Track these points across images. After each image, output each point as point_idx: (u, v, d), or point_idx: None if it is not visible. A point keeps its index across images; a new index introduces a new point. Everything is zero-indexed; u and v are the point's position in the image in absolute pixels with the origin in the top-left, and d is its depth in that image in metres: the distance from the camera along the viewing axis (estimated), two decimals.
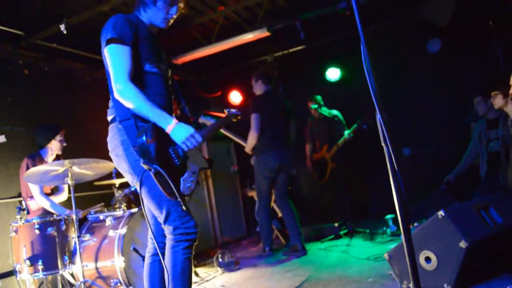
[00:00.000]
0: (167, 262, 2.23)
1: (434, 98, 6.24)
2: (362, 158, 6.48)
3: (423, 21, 5.73)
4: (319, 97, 6.23)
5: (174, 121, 2.21)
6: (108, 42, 2.23)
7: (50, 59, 5.41)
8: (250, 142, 5.06)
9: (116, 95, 2.22)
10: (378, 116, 1.31)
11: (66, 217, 3.67)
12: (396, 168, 1.30)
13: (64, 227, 3.63)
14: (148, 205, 2.30)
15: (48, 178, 3.52)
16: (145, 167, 2.07)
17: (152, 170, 2.06)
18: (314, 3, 5.53)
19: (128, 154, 2.27)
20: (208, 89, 7.67)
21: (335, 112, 6.20)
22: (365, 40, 1.34)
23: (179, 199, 2.14)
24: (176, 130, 2.20)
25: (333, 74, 6.78)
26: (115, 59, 2.23)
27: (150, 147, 2.09)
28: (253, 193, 6.22)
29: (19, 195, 4.32)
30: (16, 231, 3.55)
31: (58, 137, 4.19)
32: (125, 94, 2.20)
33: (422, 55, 6.29)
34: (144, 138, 2.10)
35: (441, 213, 2.81)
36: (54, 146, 4.20)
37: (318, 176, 6.21)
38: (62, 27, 4.57)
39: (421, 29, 6.11)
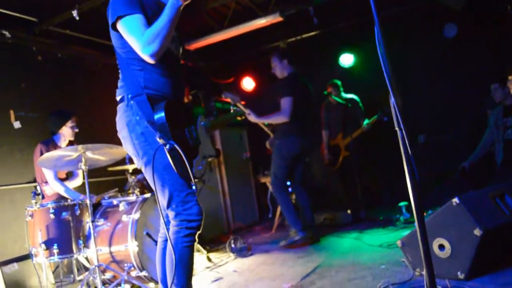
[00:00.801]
0: (169, 247, 2.19)
1: (450, 84, 6.14)
2: (377, 146, 6.42)
3: (439, 5, 5.61)
4: (339, 82, 6.17)
5: None
6: (120, 17, 2.14)
7: (63, 45, 5.43)
8: (274, 122, 4.83)
9: (149, 58, 2.11)
10: (392, 100, 1.28)
11: (80, 202, 3.70)
12: (409, 153, 1.27)
13: (78, 212, 3.67)
14: (152, 185, 2.21)
15: (62, 163, 3.55)
16: (161, 141, 2.04)
17: (168, 146, 2.02)
18: None
19: (133, 136, 2.21)
20: (220, 75, 7.65)
21: (353, 96, 6.14)
22: (379, 23, 1.30)
23: (191, 179, 2.09)
24: None
25: (346, 60, 6.69)
26: (130, 29, 2.13)
27: (167, 122, 2.05)
28: (265, 180, 6.22)
29: (34, 180, 4.38)
30: (31, 216, 3.60)
31: (69, 123, 4.21)
32: (150, 44, 2.08)
33: (438, 40, 6.17)
34: (162, 113, 2.07)
35: (455, 200, 2.77)
36: (66, 132, 4.23)
37: (330, 163, 6.19)
38: (75, 13, 4.58)
39: (437, 14, 5.99)
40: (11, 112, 4.74)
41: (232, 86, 7.59)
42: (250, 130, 7.22)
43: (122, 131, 2.29)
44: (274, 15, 5.44)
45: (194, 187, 2.17)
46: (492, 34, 5.80)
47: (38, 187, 4.13)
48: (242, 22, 5.66)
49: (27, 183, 4.63)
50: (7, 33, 4.79)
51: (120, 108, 2.32)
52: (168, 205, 2.15)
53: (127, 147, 2.29)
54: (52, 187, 4.10)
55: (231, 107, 4.41)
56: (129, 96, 2.24)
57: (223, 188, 6.57)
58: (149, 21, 2.17)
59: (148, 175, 2.20)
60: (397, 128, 1.30)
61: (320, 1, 5.42)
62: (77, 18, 4.59)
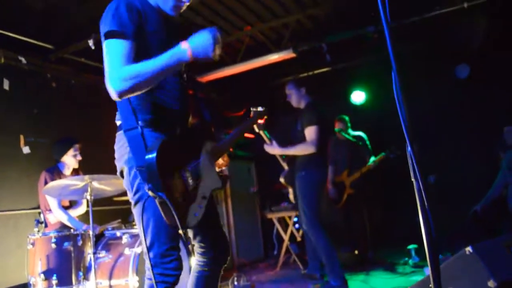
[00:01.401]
0: None
1: (461, 124, 6.09)
2: (384, 183, 6.33)
3: (452, 45, 5.64)
4: (347, 118, 6.12)
5: (183, 44, 1.83)
6: (107, 36, 1.87)
7: (77, 73, 5.50)
8: (299, 153, 4.39)
9: (115, 95, 1.83)
10: (409, 149, 1.23)
11: (83, 232, 3.65)
12: (426, 206, 1.22)
13: (80, 242, 3.61)
14: (138, 225, 1.99)
15: (67, 192, 3.52)
16: (150, 194, 1.79)
17: (158, 199, 1.78)
18: (341, 26, 5.50)
19: (128, 170, 2.00)
20: (231, 107, 7.67)
21: (360, 134, 6.09)
22: (397, 68, 1.27)
23: (181, 233, 1.85)
24: (195, 44, 1.83)
25: (358, 97, 6.69)
26: (111, 54, 1.85)
27: (159, 169, 1.77)
28: (272, 215, 6.12)
29: (39, 206, 4.34)
30: (33, 244, 3.55)
31: (71, 152, 4.19)
32: (123, 80, 1.79)
33: (451, 80, 6.17)
34: (153, 156, 1.77)
35: (468, 249, 2.67)
36: (68, 161, 4.21)
37: (334, 200, 6.02)
38: (91, 42, 4.65)
39: (450, 55, 6.00)
40: (21, 137, 4.75)
41: (243, 119, 7.60)
42: (258, 163, 7.17)
43: (118, 161, 2.08)
44: (287, 51, 5.49)
45: (182, 238, 2.00)
46: (506, 76, 5.78)
47: (41, 215, 4.08)
48: (255, 57, 5.71)
49: (32, 209, 4.60)
50: (23, 59, 4.87)
51: (117, 136, 2.10)
52: (148, 252, 1.97)
53: (123, 179, 2.10)
54: (56, 215, 4.06)
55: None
56: (123, 129, 1.99)
57: (228, 222, 6.48)
58: (146, 38, 1.95)
59: (136, 213, 2.01)
60: (413, 179, 1.25)
61: (333, 39, 5.46)
62: (93, 47, 4.66)
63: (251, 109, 2.97)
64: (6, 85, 4.73)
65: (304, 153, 4.33)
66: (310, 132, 4.28)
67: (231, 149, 2.50)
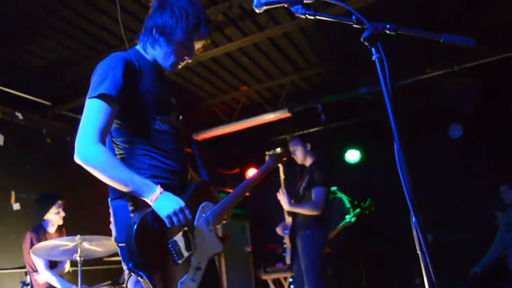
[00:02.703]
0: None
1: (456, 184, 6.09)
2: (360, 244, 6.26)
3: (445, 106, 5.76)
4: None
5: (158, 189, 1.73)
6: (96, 96, 1.76)
7: (73, 130, 5.49)
8: (304, 213, 4.22)
9: (78, 158, 1.72)
10: (414, 221, 1.21)
11: None
12: (434, 280, 1.17)
13: None
14: None
15: (56, 252, 3.41)
16: (132, 274, 1.65)
17: (139, 278, 1.63)
18: (335, 87, 5.63)
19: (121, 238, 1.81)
20: (226, 165, 7.66)
21: (340, 195, 6.07)
22: (399, 138, 1.27)
23: None
24: (161, 200, 1.71)
25: (352, 156, 6.73)
26: (92, 117, 1.76)
27: (138, 247, 1.61)
28: (267, 277, 5.93)
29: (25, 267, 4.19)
30: None
31: (54, 209, 4.09)
32: (89, 157, 1.71)
33: (444, 140, 6.24)
34: (132, 233, 1.61)
35: None
36: (52, 218, 4.11)
37: None
38: None
39: (442, 115, 6.12)
40: (13, 193, 4.67)
41: (237, 176, 7.57)
42: (253, 222, 7.06)
43: (113, 226, 1.90)
44: (282, 111, 5.57)
45: None
46: (499, 136, 5.87)
47: (28, 276, 3.93)
48: (251, 116, 5.79)
49: (18, 268, 4.43)
50: (19, 115, 4.88)
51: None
52: None
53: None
54: (43, 277, 3.89)
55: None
56: (109, 198, 1.83)
57: (221, 283, 6.26)
58: (140, 97, 1.86)
59: (129, 282, 1.83)
60: (419, 252, 1.21)
61: (328, 99, 5.57)
62: None
63: (266, 153, 2.77)
64: (0, 140, 4.71)
65: (309, 213, 4.19)
66: (318, 193, 4.19)
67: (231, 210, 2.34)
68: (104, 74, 1.80)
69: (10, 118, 4.83)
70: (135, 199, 1.77)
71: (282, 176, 4.28)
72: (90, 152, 1.72)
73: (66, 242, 3.29)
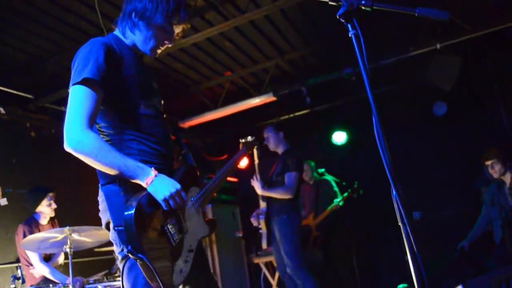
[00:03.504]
0: None
1: (442, 161, 6.17)
2: (349, 225, 6.35)
3: (429, 84, 5.79)
4: (312, 163, 6.16)
5: (153, 172, 1.73)
6: (80, 82, 1.74)
7: (58, 122, 5.45)
8: (277, 196, 4.40)
9: (68, 146, 1.72)
10: (394, 193, 1.23)
11: (63, 286, 3.50)
12: (416, 250, 1.20)
13: None
14: (123, 278, 1.85)
15: (46, 245, 3.40)
16: (130, 256, 1.66)
17: (138, 260, 1.65)
18: (320, 68, 5.63)
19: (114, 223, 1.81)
20: (214, 152, 7.66)
21: (326, 178, 6.12)
22: (377, 113, 1.28)
23: None
24: (157, 183, 1.72)
25: (339, 137, 6.76)
26: (78, 103, 1.73)
27: (138, 229, 1.62)
28: (259, 260, 5.99)
29: (17, 261, 4.17)
30: None
31: (46, 201, 4.09)
32: (81, 143, 1.70)
33: (428, 118, 6.29)
34: (131, 214, 1.62)
35: (459, 287, 2.64)
36: (44, 210, 4.11)
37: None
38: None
39: (427, 93, 6.16)
40: None
41: (225, 163, 7.57)
42: (243, 207, 7.09)
43: (103, 214, 1.93)
44: (267, 95, 5.57)
45: None
46: (481, 112, 5.94)
47: (18, 271, 3.91)
48: (236, 101, 5.77)
49: (8, 263, 4.41)
50: (1, 109, 4.81)
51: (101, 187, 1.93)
52: None
53: (109, 232, 1.92)
54: (38, 270, 3.89)
55: None
56: (100, 183, 1.84)
57: (214, 268, 6.31)
58: (123, 82, 1.86)
59: (122, 268, 1.84)
60: (400, 224, 1.23)
61: (312, 82, 5.57)
62: None
63: (240, 140, 2.91)
64: None
65: (282, 197, 4.38)
66: (290, 177, 4.38)
67: (214, 194, 2.41)
68: (86, 59, 1.77)
69: None
70: (126, 183, 1.77)
71: (256, 161, 4.44)
72: (80, 139, 1.70)
73: (56, 234, 3.28)
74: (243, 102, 5.74)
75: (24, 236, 3.67)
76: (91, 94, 1.74)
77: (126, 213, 1.65)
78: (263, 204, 4.60)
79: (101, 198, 1.93)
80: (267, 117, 6.98)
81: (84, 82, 1.74)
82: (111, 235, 1.88)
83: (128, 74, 1.87)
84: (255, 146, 2.97)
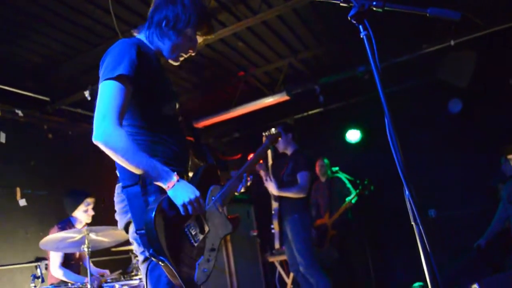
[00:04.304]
0: None
1: (458, 158, 6.11)
2: (364, 223, 6.33)
3: (443, 82, 5.74)
4: (326, 161, 6.17)
5: (175, 177, 1.78)
6: (114, 78, 1.77)
7: (74, 124, 5.53)
8: (291, 196, 4.43)
9: (97, 140, 1.72)
10: (407, 193, 1.23)
11: (81, 285, 3.56)
12: (429, 250, 1.20)
13: None
14: (145, 279, 1.88)
15: (64, 244, 3.46)
16: (153, 259, 1.71)
17: (161, 263, 1.69)
18: (333, 67, 5.62)
19: (134, 226, 1.82)
20: (228, 151, 7.70)
21: (340, 175, 6.12)
22: (390, 114, 1.29)
23: None
24: (178, 188, 1.76)
25: (353, 136, 6.74)
26: (109, 97, 1.76)
27: (158, 232, 1.66)
28: (273, 259, 6.01)
29: (36, 260, 4.25)
30: None
31: (83, 207, 4.07)
32: (112, 138, 1.71)
33: (444, 115, 6.24)
34: (151, 219, 1.66)
35: (475, 286, 2.63)
36: (80, 216, 4.09)
37: (317, 243, 5.87)
38: (87, 93, 4.71)
39: (442, 90, 6.10)
40: (18, 189, 4.72)
41: (239, 162, 7.60)
42: (257, 206, 7.11)
43: (121, 215, 1.95)
44: (281, 94, 5.57)
45: None
46: (497, 108, 5.86)
47: (38, 270, 3.98)
48: (250, 101, 5.78)
49: (27, 263, 4.50)
50: (19, 112, 4.90)
51: (118, 188, 1.96)
52: None
53: (128, 233, 1.95)
54: (53, 274, 3.94)
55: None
56: (121, 185, 1.86)
57: (229, 267, 6.34)
58: (155, 82, 1.92)
59: (144, 269, 1.89)
60: (413, 223, 1.24)
61: (325, 81, 5.56)
62: (89, 98, 4.72)
63: (263, 134, 2.95)
64: (2, 138, 4.75)
65: (296, 196, 4.43)
66: (302, 177, 4.44)
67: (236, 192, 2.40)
68: (120, 56, 1.81)
69: (11, 116, 4.85)
70: (148, 186, 1.82)
71: (270, 162, 4.51)
72: (111, 134, 1.72)
73: (73, 234, 3.34)
74: (256, 101, 5.75)
75: None
76: (124, 91, 1.78)
77: (147, 217, 1.69)
78: (275, 204, 4.65)
79: (117, 198, 1.96)
80: (281, 116, 6.99)
81: (118, 78, 1.77)
82: (132, 235, 1.90)
83: (154, 76, 1.92)
84: (279, 138, 2.96)
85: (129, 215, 1.83)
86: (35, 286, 3.50)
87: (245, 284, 6.48)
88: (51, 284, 3.70)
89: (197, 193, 1.80)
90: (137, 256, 2.22)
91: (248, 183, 2.31)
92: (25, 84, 4.85)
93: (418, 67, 5.79)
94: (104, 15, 3.95)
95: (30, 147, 5.02)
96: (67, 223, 4.08)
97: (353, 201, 5.61)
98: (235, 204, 6.78)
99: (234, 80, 5.77)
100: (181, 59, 2.08)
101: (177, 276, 1.68)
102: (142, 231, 1.70)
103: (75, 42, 4.38)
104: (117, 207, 1.97)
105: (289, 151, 4.66)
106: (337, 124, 6.93)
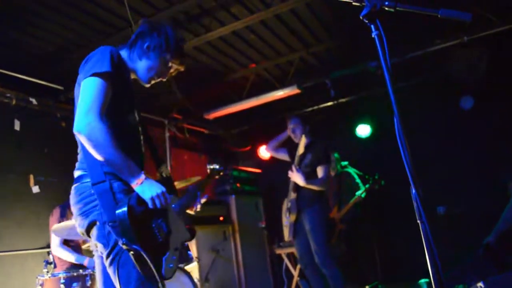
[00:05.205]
0: None
1: (468, 155, 6.09)
2: (373, 218, 6.34)
3: (455, 78, 5.70)
4: (336, 155, 6.17)
5: (143, 175, 1.93)
6: (99, 74, 1.93)
7: None
8: (316, 188, 4.47)
9: (80, 132, 1.87)
10: (413, 192, 1.25)
11: (92, 272, 3.63)
12: (434, 249, 1.23)
13: (89, 283, 3.59)
14: (113, 279, 1.92)
15: (75, 232, 3.51)
16: (125, 247, 1.78)
17: (133, 252, 1.78)
18: (344, 61, 5.60)
19: (106, 226, 1.89)
20: (238, 143, 7.73)
21: (349, 170, 6.12)
22: (398, 112, 1.31)
23: (159, 283, 1.86)
24: (145, 185, 1.91)
25: (363, 130, 6.74)
26: (94, 92, 1.91)
27: (131, 222, 1.78)
28: (281, 251, 6.06)
29: (48, 246, 4.34)
30: (42, 285, 3.54)
31: None
32: (95, 132, 1.84)
33: (455, 112, 6.20)
34: (125, 210, 1.79)
35: (480, 284, 2.64)
36: None
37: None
38: None
39: (453, 86, 6.06)
40: (31, 176, 4.81)
41: (249, 154, 7.64)
42: (265, 198, 7.16)
43: (84, 215, 1.97)
44: (291, 87, 5.57)
45: None
46: (509, 105, 5.82)
47: (50, 255, 4.08)
48: (261, 93, 5.79)
49: (39, 248, 4.59)
50: (34, 100, 4.97)
51: (77, 188, 2.03)
52: None
53: (93, 231, 1.96)
54: (54, 253, 4.02)
55: None
56: (90, 183, 1.94)
57: (237, 258, 6.41)
58: (123, 88, 2.08)
59: (113, 268, 1.91)
60: (419, 221, 1.26)
61: (337, 75, 5.55)
62: None
63: (208, 166, 3.06)
64: (17, 125, 4.83)
65: (319, 189, 4.49)
66: (323, 170, 4.50)
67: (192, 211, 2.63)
68: (103, 57, 1.98)
69: (25, 104, 4.93)
70: (112, 184, 1.93)
71: (300, 151, 4.45)
72: (95, 127, 1.85)
73: None
74: (267, 94, 5.76)
75: (56, 218, 3.79)
76: (107, 87, 1.94)
77: (119, 209, 1.81)
78: (293, 195, 4.65)
79: (75, 199, 2.02)
80: (290, 109, 6.99)
81: (104, 74, 1.93)
82: (97, 237, 1.93)
83: (124, 82, 2.10)
84: (221, 173, 3.10)
85: (96, 212, 1.91)
86: (47, 272, 3.57)
87: (252, 275, 6.55)
88: (63, 270, 3.78)
89: (163, 189, 1.95)
90: None
91: (203, 201, 2.64)
92: (39, 72, 4.91)
93: (431, 63, 5.75)
94: (117, 5, 3.98)
95: (44, 134, 5.10)
96: (68, 205, 4.14)
97: (362, 195, 5.62)
98: (243, 196, 6.83)
99: (245, 72, 5.78)
100: (152, 82, 2.25)
101: (149, 263, 1.79)
102: (116, 223, 1.80)
103: (88, 31, 4.42)
104: (75, 208, 2.02)
105: (305, 143, 4.58)
106: (347, 119, 6.93)
